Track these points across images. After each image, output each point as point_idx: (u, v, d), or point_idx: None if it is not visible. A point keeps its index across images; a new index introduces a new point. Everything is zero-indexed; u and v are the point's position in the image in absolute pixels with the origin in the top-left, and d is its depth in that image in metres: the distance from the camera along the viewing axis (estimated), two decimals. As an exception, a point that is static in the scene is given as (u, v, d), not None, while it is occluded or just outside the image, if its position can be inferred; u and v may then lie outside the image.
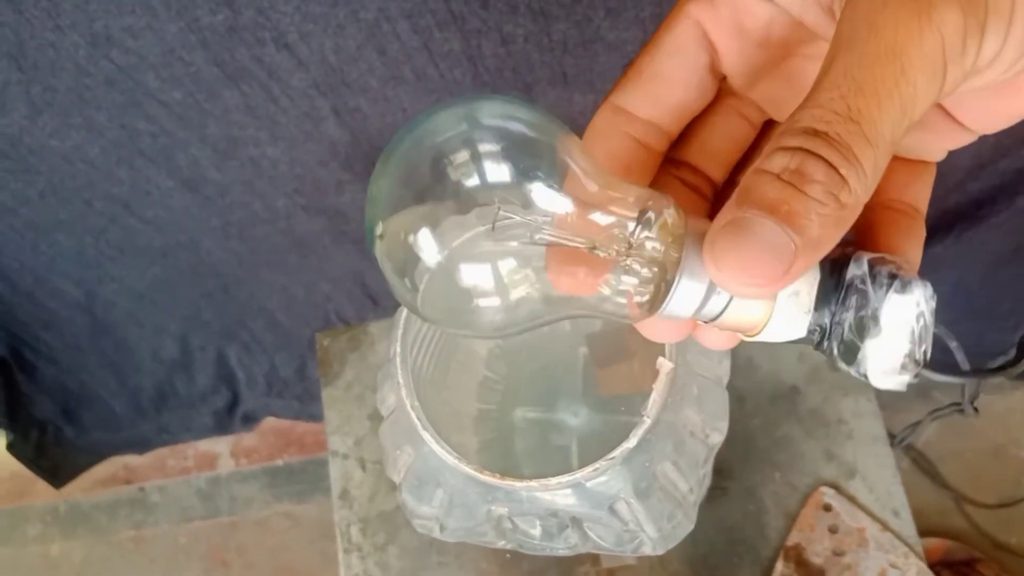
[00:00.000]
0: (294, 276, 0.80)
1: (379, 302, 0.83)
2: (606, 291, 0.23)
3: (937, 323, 0.26)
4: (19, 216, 0.63)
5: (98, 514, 1.22)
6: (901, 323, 0.22)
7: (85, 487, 1.21)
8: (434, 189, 0.23)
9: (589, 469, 0.37)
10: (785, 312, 0.23)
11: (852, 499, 0.65)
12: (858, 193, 0.21)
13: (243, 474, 1.22)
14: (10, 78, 0.48)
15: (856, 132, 0.20)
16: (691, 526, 0.43)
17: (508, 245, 0.23)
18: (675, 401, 0.39)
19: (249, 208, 0.66)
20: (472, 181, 0.22)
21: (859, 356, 0.23)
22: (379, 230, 0.23)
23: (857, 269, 0.23)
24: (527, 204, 0.22)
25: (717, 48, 0.26)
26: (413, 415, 0.39)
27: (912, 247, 0.26)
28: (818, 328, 0.23)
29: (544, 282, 0.23)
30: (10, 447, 0.92)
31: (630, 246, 0.23)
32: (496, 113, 0.23)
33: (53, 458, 0.98)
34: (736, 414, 0.70)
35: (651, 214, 0.23)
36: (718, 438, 0.44)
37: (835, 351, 0.23)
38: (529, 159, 0.23)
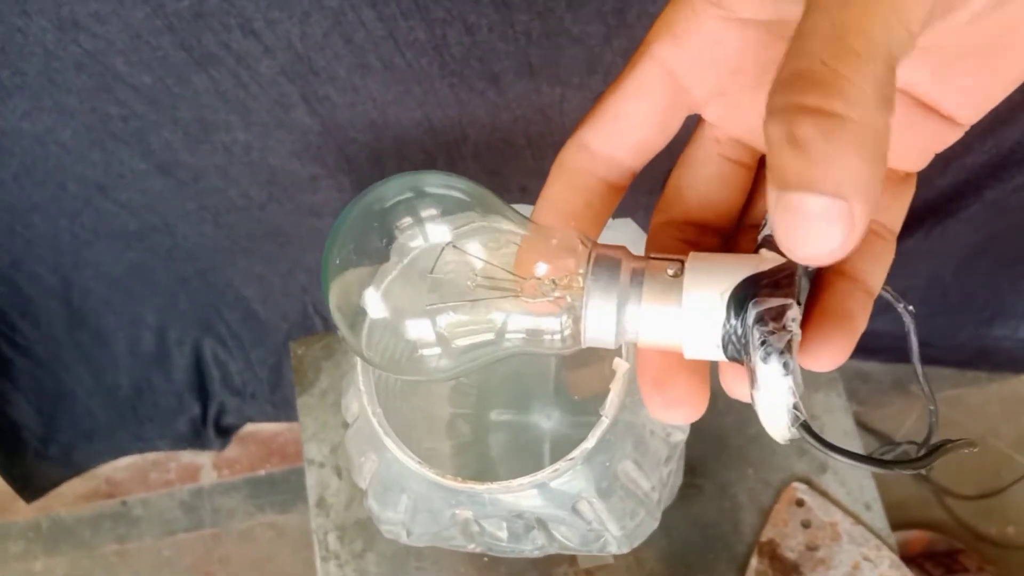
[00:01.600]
0: (271, 265, 0.80)
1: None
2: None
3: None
4: None
5: (81, 529, 1.21)
6: (774, 388, 0.22)
7: (67, 502, 1.21)
8: (377, 250, 0.25)
9: (549, 470, 0.38)
10: (694, 332, 0.23)
11: (824, 494, 0.66)
12: (867, 117, 0.19)
13: (225, 485, 1.22)
14: None
15: (843, 49, 0.19)
16: (655, 524, 0.44)
17: (445, 295, 0.24)
18: (633, 401, 0.39)
19: (223, 194, 0.67)
20: (414, 241, 0.25)
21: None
22: (331, 294, 0.25)
23: (752, 309, 0.22)
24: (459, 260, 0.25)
25: (685, 87, 0.26)
26: (375, 421, 0.39)
27: (878, 271, 0.26)
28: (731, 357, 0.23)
29: (478, 328, 0.25)
30: None
31: (551, 286, 0.24)
32: (435, 183, 0.26)
33: (26, 468, 0.98)
34: (709, 412, 0.71)
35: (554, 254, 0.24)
36: (680, 436, 0.44)
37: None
38: (461, 220, 0.25)
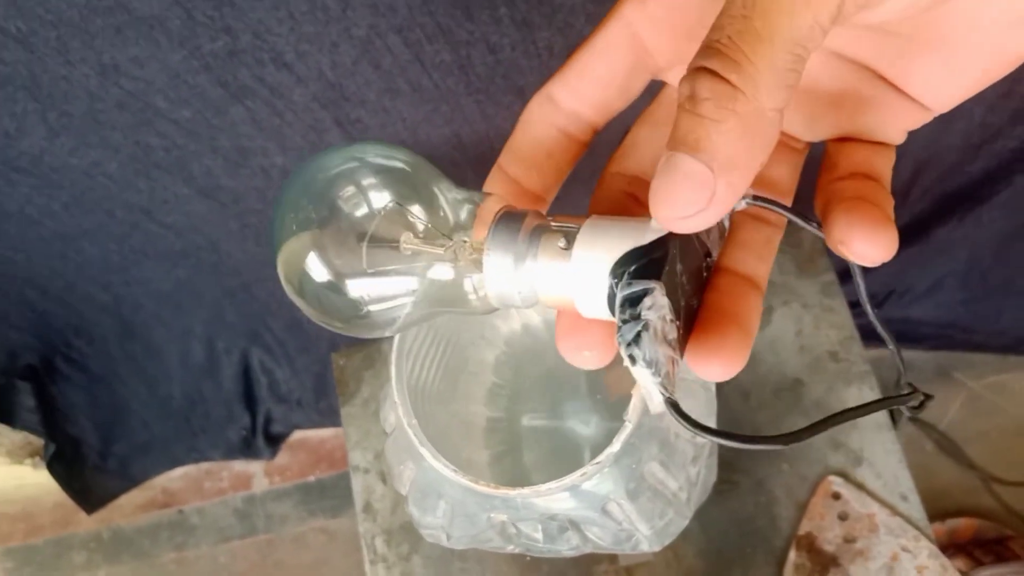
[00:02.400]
0: None
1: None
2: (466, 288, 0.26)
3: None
4: (45, 227, 0.67)
5: (140, 538, 1.26)
6: (634, 371, 0.22)
7: (126, 513, 1.25)
8: (324, 216, 0.26)
9: (577, 474, 0.39)
10: (583, 295, 0.24)
11: (860, 486, 0.66)
12: (757, 96, 0.20)
13: (277, 492, 1.25)
14: (27, 107, 0.52)
15: (746, 29, 0.20)
16: (685, 522, 0.45)
17: (379, 257, 0.26)
18: (657, 404, 0.41)
19: (263, 214, 0.69)
20: (358, 209, 0.26)
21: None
22: (280, 263, 0.27)
23: (619, 293, 0.23)
24: (399, 222, 0.26)
25: (649, 50, 0.27)
26: (410, 432, 0.41)
27: (881, 228, 0.26)
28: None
29: (407, 288, 0.27)
30: (50, 465, 0.96)
31: (470, 249, 0.26)
32: (375, 152, 0.27)
33: (86, 481, 1.02)
34: (741, 409, 0.72)
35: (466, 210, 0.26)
36: (707, 436, 0.45)
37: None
38: (402, 187, 0.27)
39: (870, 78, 0.26)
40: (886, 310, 1.03)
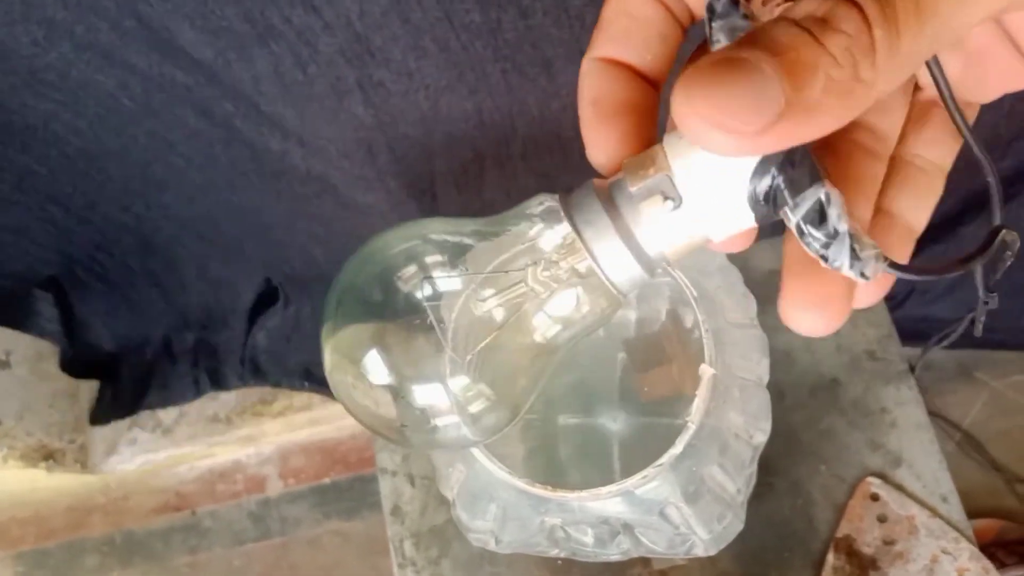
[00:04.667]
0: (332, 227, 0.82)
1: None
2: (575, 301, 0.23)
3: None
4: (70, 144, 0.66)
5: (153, 541, 1.24)
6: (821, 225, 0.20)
7: (138, 516, 1.24)
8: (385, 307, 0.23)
9: (638, 477, 0.38)
10: (709, 216, 0.22)
11: (899, 487, 0.65)
12: (882, 73, 0.17)
13: (292, 494, 1.24)
14: (55, 15, 0.51)
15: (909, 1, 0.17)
16: (741, 526, 0.44)
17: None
18: (718, 405, 0.40)
19: (280, 178, 0.69)
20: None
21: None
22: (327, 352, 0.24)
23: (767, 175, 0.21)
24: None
25: None
26: (463, 433, 0.40)
27: (922, 209, 0.25)
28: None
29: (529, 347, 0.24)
30: (63, 366, 0.95)
31: (554, 261, 0.23)
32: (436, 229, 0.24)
33: (101, 393, 1.01)
34: (777, 409, 0.71)
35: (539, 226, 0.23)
36: (761, 438, 0.44)
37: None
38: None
39: (989, 28, 0.23)
40: (907, 308, 1.02)
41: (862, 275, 0.20)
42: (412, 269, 0.23)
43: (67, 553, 1.24)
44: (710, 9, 0.20)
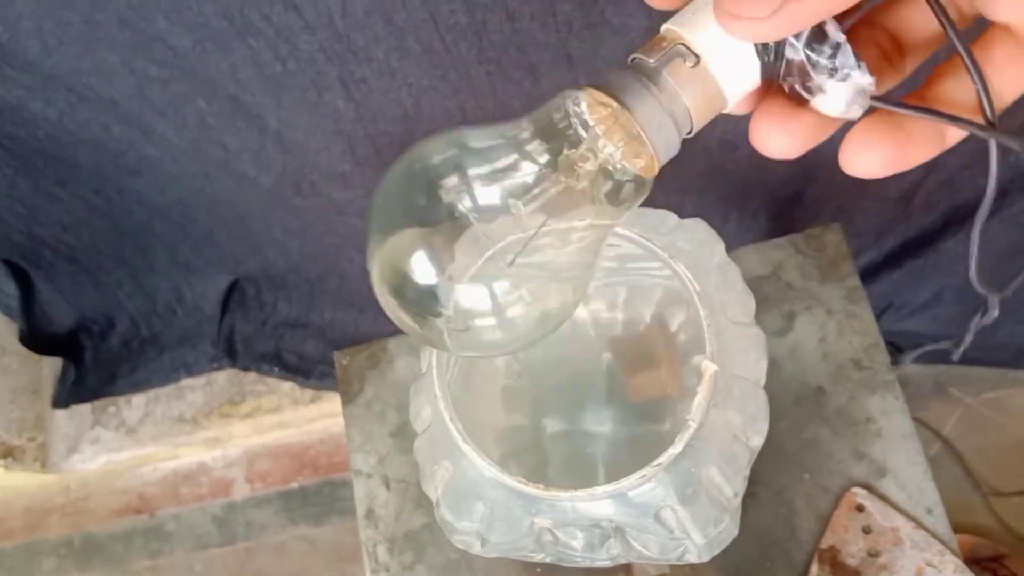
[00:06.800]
0: (308, 222, 0.80)
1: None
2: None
3: None
4: (40, 129, 0.64)
5: (113, 544, 1.21)
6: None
7: (98, 518, 1.20)
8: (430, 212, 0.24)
9: (635, 477, 0.37)
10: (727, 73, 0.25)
11: (884, 498, 0.64)
12: None
13: (258, 499, 1.21)
14: (23, 11, 0.49)
15: None
16: (736, 531, 0.43)
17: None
18: (718, 404, 0.38)
19: (260, 171, 0.68)
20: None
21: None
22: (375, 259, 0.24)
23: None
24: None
25: None
26: (452, 429, 0.38)
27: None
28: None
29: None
30: (23, 339, 0.93)
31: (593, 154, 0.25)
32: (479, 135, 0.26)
33: (63, 372, 0.99)
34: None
35: (575, 117, 0.25)
36: (758, 440, 0.43)
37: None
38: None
39: None
40: (882, 323, 1.02)
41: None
42: (454, 179, 0.24)
43: (24, 555, 1.20)
44: None
